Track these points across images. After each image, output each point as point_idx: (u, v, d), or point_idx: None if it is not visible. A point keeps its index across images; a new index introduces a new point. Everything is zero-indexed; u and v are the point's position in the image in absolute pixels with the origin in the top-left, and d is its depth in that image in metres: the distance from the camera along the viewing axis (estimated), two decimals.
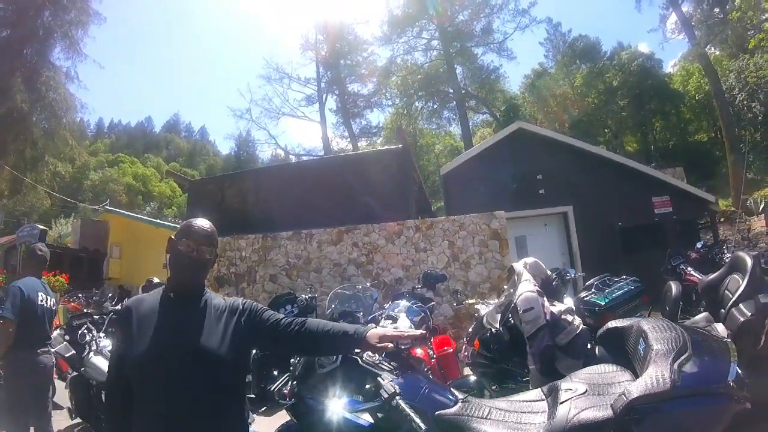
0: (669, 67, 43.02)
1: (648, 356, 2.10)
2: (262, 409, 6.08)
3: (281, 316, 2.22)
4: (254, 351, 6.42)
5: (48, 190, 25.00)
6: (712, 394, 1.98)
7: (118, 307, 7.68)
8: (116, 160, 61.63)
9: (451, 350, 4.82)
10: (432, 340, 5.16)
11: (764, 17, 21.75)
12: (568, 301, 4.87)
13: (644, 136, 40.07)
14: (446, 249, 9.29)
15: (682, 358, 2.02)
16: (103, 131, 78.65)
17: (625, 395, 1.93)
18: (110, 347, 5.32)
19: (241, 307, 2.15)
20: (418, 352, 4.33)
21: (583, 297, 5.54)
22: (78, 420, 5.67)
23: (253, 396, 6.39)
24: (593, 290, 5.78)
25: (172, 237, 2.14)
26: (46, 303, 4.52)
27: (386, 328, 2.63)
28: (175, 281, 2.10)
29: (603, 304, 5.33)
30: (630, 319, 2.65)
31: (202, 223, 2.18)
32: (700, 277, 5.98)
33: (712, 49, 32.79)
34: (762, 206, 20.83)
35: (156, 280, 8.59)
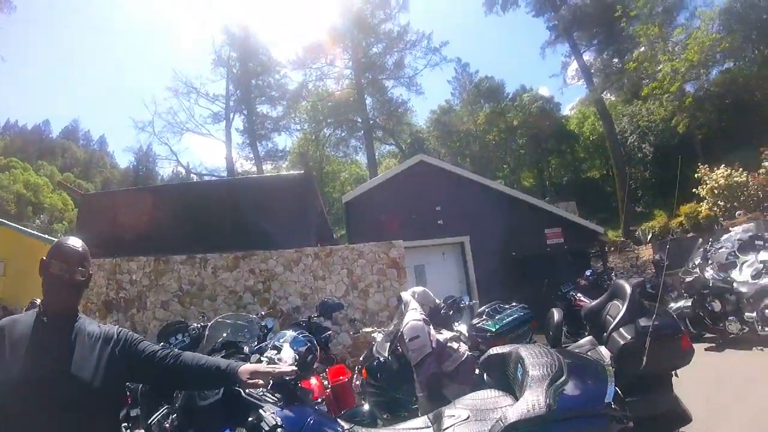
0: (567, 110, 46.02)
1: (525, 381, 2.15)
2: None
3: (157, 347, 2.19)
4: (141, 385, 6.10)
5: None
6: (590, 416, 2.05)
7: None
8: (8, 165, 56.95)
9: (346, 380, 4.76)
10: (327, 370, 5.10)
11: (659, 68, 23.84)
12: (462, 328, 4.98)
13: (540, 173, 42.27)
14: (345, 277, 9.25)
15: (558, 382, 2.08)
16: None
17: (501, 421, 1.96)
18: None
19: (116, 336, 2.10)
20: (313, 382, 4.26)
21: (476, 324, 5.69)
22: None
23: (142, 431, 6.02)
24: (485, 317, 5.95)
25: (44, 258, 2.05)
26: None
27: (262, 362, 2.56)
28: (48, 304, 2.02)
29: (494, 330, 5.48)
30: (510, 345, 2.72)
31: (74, 242, 2.10)
32: (588, 303, 6.35)
33: (608, 94, 35.52)
34: (649, 236, 22.58)
35: (40, 302, 7.98)
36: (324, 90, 40.79)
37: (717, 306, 8.10)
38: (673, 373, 3.48)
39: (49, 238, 22.51)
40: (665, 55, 23.69)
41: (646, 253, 20.13)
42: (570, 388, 2.07)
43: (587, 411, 2.06)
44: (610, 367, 2.37)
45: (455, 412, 2.30)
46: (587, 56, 35.30)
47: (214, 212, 10.26)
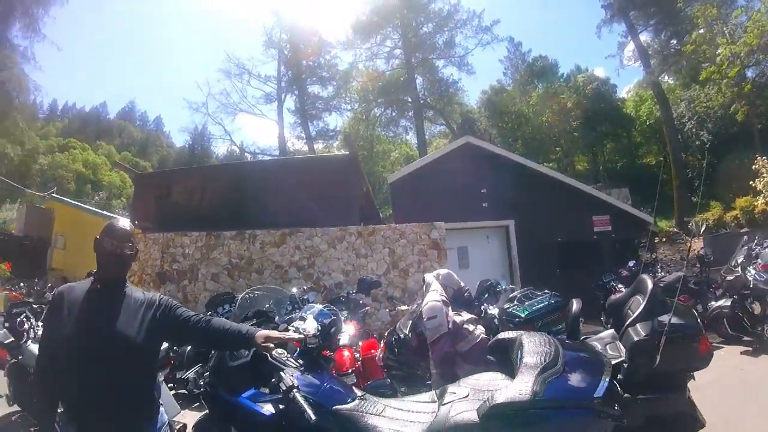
0: (623, 92, 44.35)
1: (519, 367, 2.31)
2: (195, 404, 6.18)
3: (191, 313, 2.56)
4: (188, 348, 6.53)
5: None
6: (576, 408, 2.15)
7: None
8: (67, 145, 59.42)
9: (375, 354, 5.01)
10: (360, 343, 5.36)
11: (718, 51, 22.75)
12: (494, 311, 5.13)
13: (594, 157, 41.01)
14: (386, 256, 9.51)
15: (550, 371, 2.21)
16: (56, 114, 75.46)
17: (488, 401, 2.12)
18: None
19: (157, 302, 2.48)
20: (345, 354, 4.54)
21: (506, 308, 5.81)
22: (15, 407, 5.66)
23: (185, 392, 6.48)
24: (515, 302, 6.07)
25: (97, 237, 2.43)
26: None
27: (289, 330, 2.90)
28: (101, 274, 2.42)
29: (523, 316, 5.60)
30: (517, 332, 2.87)
31: (123, 223, 2.52)
32: None
33: (666, 77, 34.14)
34: (702, 229, 21.70)
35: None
36: (374, 70, 40.50)
37: (757, 308, 7.70)
38: (689, 374, 3.33)
39: (107, 213, 23.61)
40: (723, 38, 22.57)
41: (698, 245, 19.43)
42: (561, 379, 2.19)
43: (574, 403, 2.16)
44: (610, 363, 2.47)
45: (457, 390, 2.48)
46: (644, 37, 33.81)
47: (262, 190, 10.59)
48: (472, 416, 2.20)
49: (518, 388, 2.14)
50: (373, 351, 5.07)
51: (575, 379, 2.25)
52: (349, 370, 4.49)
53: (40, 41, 23.91)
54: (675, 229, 23.91)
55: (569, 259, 12.67)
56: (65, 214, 21.94)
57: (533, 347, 2.42)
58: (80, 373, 2.16)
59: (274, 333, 2.64)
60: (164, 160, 67.88)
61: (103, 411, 2.17)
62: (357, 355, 4.99)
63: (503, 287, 6.66)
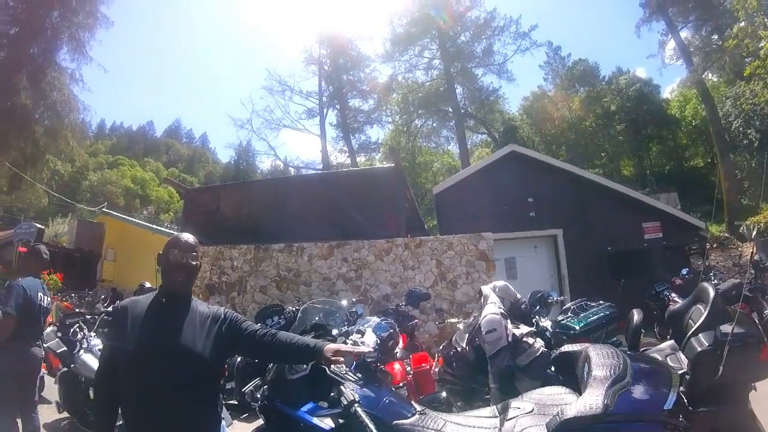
0: (666, 92, 43.34)
1: (588, 380, 2.25)
2: (244, 415, 6.24)
3: (257, 326, 2.53)
4: (238, 359, 6.60)
5: (46, 188, 25.01)
6: (646, 421, 2.08)
7: (110, 308, 7.89)
8: (116, 162, 61.56)
9: (428, 367, 4.96)
10: (411, 357, 5.32)
11: (760, 45, 21.82)
12: (547, 324, 5.03)
13: (640, 161, 40.08)
14: (434, 268, 9.41)
15: (619, 384, 2.14)
16: (104, 133, 78.34)
17: (558, 415, 2.06)
18: (100, 346, 5.57)
19: (222, 315, 2.45)
20: (396, 367, 4.50)
21: (560, 320, 5.70)
22: (65, 414, 5.82)
23: (235, 402, 6.54)
24: (570, 314, 5.94)
25: (161, 253, 2.43)
26: (43, 302, 4.83)
27: (342, 344, 2.85)
28: (167, 287, 2.41)
29: (578, 328, 5.49)
30: (581, 344, 2.79)
31: (187, 236, 2.49)
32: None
33: (710, 75, 33.02)
34: (754, 232, 20.87)
35: (148, 284, 8.76)
36: (414, 81, 40.51)
37: None
38: (751, 385, 3.24)
39: (155, 227, 24.26)
40: (766, 31, 21.64)
41: (750, 251, 18.61)
42: (631, 392, 2.12)
43: (644, 416, 2.09)
44: (677, 375, 2.38)
45: (521, 405, 2.43)
46: (684, 33, 32.66)
47: (310, 204, 10.69)
48: (540, 431, 2.15)
49: (589, 401, 2.08)
50: (424, 364, 5.03)
51: (644, 391, 2.18)
52: (401, 384, 4.45)
53: (88, 64, 24.72)
54: (726, 234, 22.93)
55: (619, 268, 12.28)
56: (115, 227, 22.70)
57: (601, 360, 2.35)
58: (145, 387, 2.16)
59: (343, 346, 2.57)
60: (210, 175, 69.61)
61: (168, 425, 2.16)
62: (408, 368, 4.95)
63: (555, 299, 6.53)
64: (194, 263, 2.42)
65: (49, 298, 5.02)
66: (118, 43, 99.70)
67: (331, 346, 2.47)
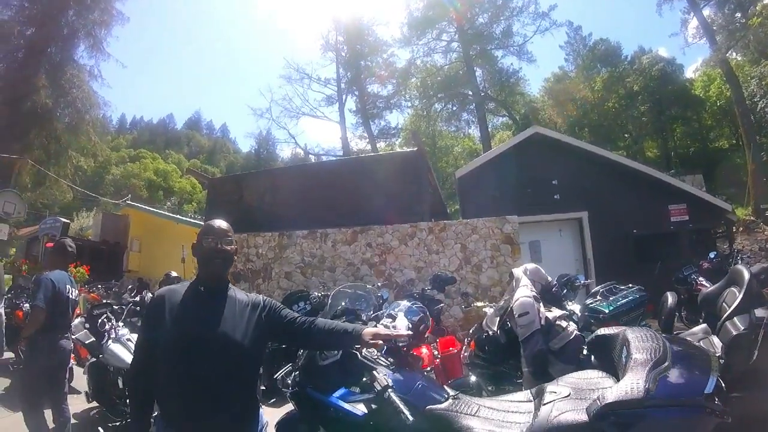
0: (690, 72, 42.34)
1: (627, 364, 2.17)
2: (271, 401, 6.28)
3: (296, 314, 2.53)
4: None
5: (70, 183, 25.31)
6: (687, 406, 2.00)
7: (137, 298, 7.99)
8: (138, 155, 62.42)
9: (455, 351, 4.93)
10: (438, 341, 5.29)
11: None
12: (575, 307, 4.96)
13: (664, 142, 39.42)
14: (458, 252, 9.39)
15: (660, 368, 2.07)
16: (125, 127, 79.64)
17: (599, 400, 1.99)
18: (128, 336, 5.65)
19: (262, 303, 2.45)
20: (423, 351, 4.47)
21: (589, 304, 5.61)
22: (94, 404, 5.89)
23: (263, 388, 6.59)
24: (599, 297, 5.85)
25: (194, 242, 2.43)
26: (71, 294, 4.88)
27: (379, 327, 2.81)
28: (205, 274, 2.40)
29: (607, 311, 5.39)
30: (618, 327, 2.72)
31: (220, 222, 2.48)
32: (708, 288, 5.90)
33: (734, 54, 32.06)
34: None
35: (174, 273, 8.83)
36: (432, 65, 40.26)
37: None
38: None
39: (179, 217, 24.51)
40: None
41: None
42: (671, 375, 2.05)
43: (685, 400, 2.01)
44: (716, 359, 2.31)
45: (557, 389, 2.36)
46: (707, 11, 31.21)
47: (332, 190, 10.75)
48: (578, 416, 2.09)
49: (630, 385, 2.01)
50: (452, 348, 4.99)
51: (684, 375, 2.09)
52: (429, 368, 4.43)
53: (106, 60, 25.26)
54: (752, 218, 22.41)
55: (646, 251, 12.11)
56: (139, 219, 22.94)
57: (641, 343, 2.27)
58: (184, 376, 2.13)
59: (381, 330, 2.57)
60: (232, 165, 70.14)
61: (207, 414, 2.13)
62: (435, 352, 4.92)
63: (582, 282, 6.44)
64: (229, 248, 2.41)
65: (76, 291, 5.08)
66: (135, 39, 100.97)
67: (369, 330, 2.46)
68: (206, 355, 2.14)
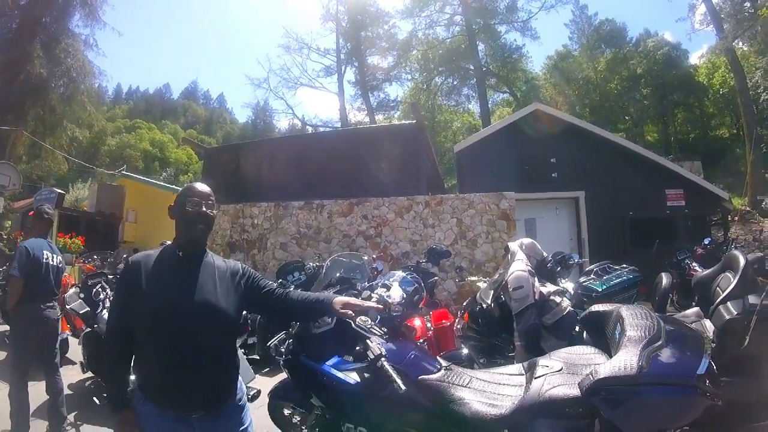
0: (694, 58, 42.04)
1: (621, 341, 2.17)
2: (265, 370, 6.34)
3: (273, 284, 2.50)
4: (259, 316, 6.65)
5: (66, 155, 25.06)
6: (679, 385, 2.00)
7: None
8: (134, 126, 61.73)
9: (448, 324, 4.94)
10: (431, 313, 5.31)
11: None
12: (568, 285, 4.97)
13: (665, 127, 39.28)
14: (454, 226, 9.40)
15: (654, 346, 2.06)
16: (121, 97, 78.73)
17: (591, 375, 2.00)
18: None
19: (240, 270, 2.40)
20: (416, 323, 4.48)
21: (583, 282, 5.64)
22: (89, 374, 5.89)
23: (257, 357, 6.64)
24: (592, 276, 5.88)
25: (171, 204, 2.36)
26: (51, 261, 4.75)
27: (372, 299, 2.82)
28: (185, 240, 2.31)
29: (600, 290, 5.43)
30: (612, 304, 2.72)
31: (201, 185, 2.40)
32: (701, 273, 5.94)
33: (740, 44, 31.77)
34: None
35: (169, 242, 8.85)
36: (434, 38, 39.78)
37: None
38: None
39: (175, 187, 24.39)
40: None
41: None
42: (664, 354, 2.05)
43: (677, 379, 2.01)
44: (709, 340, 2.34)
45: (549, 363, 2.37)
46: None
47: (329, 161, 10.71)
48: (570, 390, 2.11)
49: (623, 362, 2.00)
50: (445, 321, 5.01)
51: (678, 355, 2.09)
52: (421, 340, 4.44)
53: (101, 28, 24.67)
54: (748, 208, 22.46)
55: (641, 233, 12.09)
56: (135, 189, 22.84)
57: (635, 320, 2.26)
58: (164, 342, 2.08)
59: (353, 300, 2.53)
60: (228, 136, 69.60)
61: (186, 381, 2.09)
62: (428, 324, 4.94)
63: (575, 261, 6.46)
64: (212, 213, 2.34)
65: (59, 257, 4.93)
66: (132, 7, 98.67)
67: (340, 299, 2.45)
68: (187, 320, 2.09)
